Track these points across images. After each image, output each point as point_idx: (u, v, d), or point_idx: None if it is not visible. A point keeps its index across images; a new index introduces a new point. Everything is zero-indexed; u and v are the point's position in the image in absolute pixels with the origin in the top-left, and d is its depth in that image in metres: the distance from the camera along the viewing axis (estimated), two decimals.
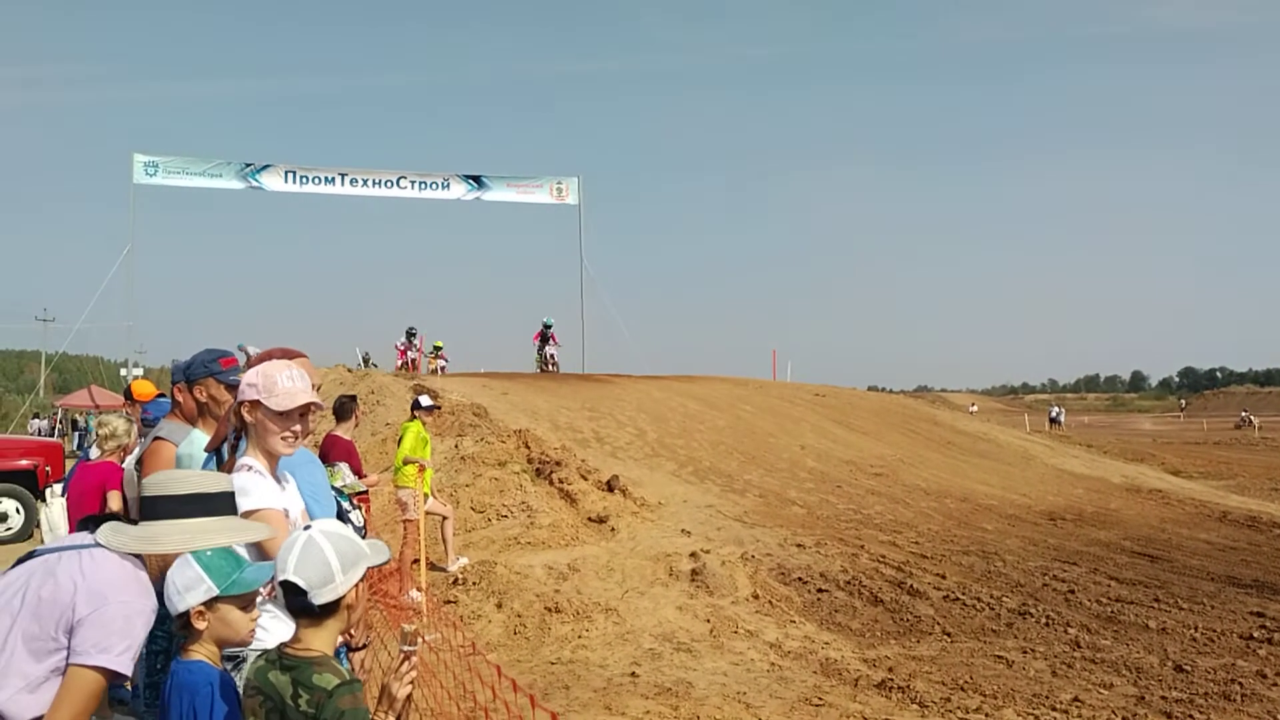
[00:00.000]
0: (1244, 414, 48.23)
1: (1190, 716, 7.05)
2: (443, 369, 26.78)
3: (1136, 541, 14.76)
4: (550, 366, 27.24)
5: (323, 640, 2.57)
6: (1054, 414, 59.94)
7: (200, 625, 2.63)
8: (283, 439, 3.30)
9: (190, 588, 2.60)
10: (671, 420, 19.17)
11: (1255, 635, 9.37)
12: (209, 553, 2.67)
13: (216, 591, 2.62)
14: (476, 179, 25.83)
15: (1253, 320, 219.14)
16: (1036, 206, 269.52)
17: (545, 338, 27.43)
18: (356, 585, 2.60)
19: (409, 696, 2.65)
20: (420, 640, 2.77)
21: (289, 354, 3.54)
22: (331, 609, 2.55)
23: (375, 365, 27.49)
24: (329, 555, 2.53)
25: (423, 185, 25.39)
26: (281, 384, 3.29)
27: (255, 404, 3.27)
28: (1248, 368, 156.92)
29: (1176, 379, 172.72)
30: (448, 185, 25.56)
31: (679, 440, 17.75)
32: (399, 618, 7.64)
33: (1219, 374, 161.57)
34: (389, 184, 25.12)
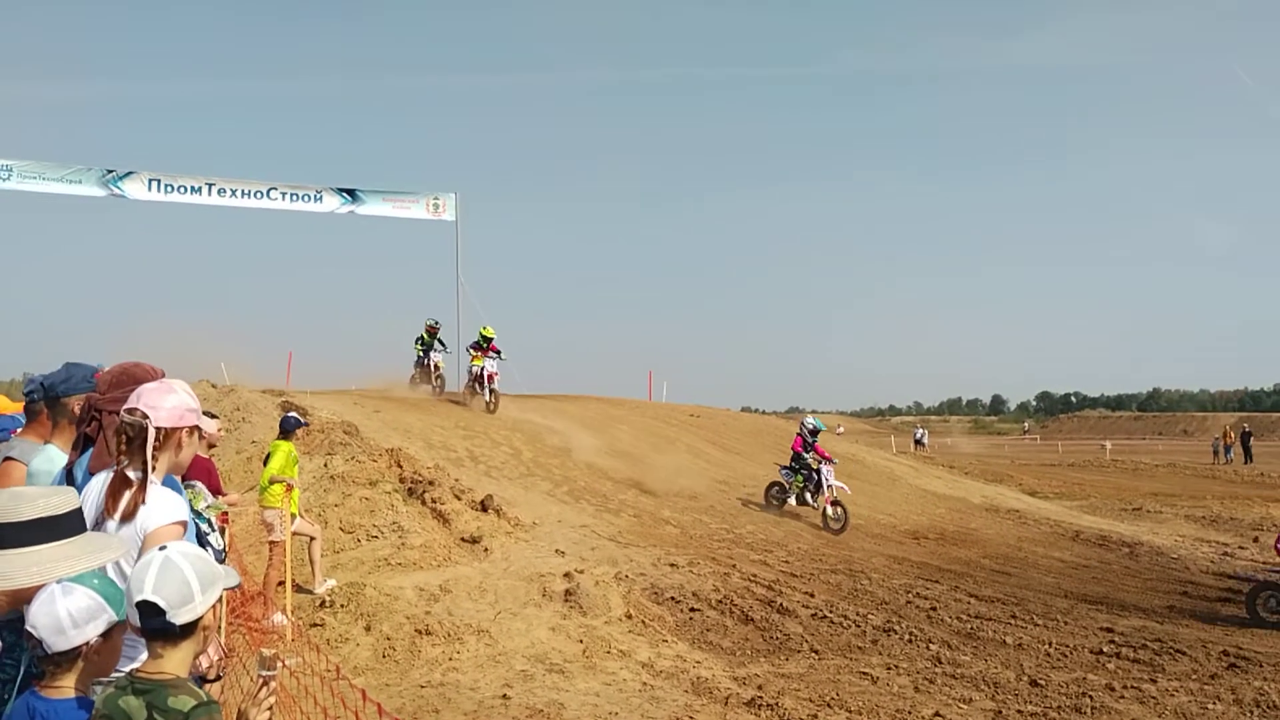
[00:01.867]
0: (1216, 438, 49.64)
1: None
2: (489, 384, 20.92)
3: (995, 559, 15.29)
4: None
5: (177, 663, 2.49)
6: (918, 436, 61.77)
7: (95, 658, 2.50)
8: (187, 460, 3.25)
9: (90, 619, 2.45)
10: (547, 440, 19.11)
11: (1105, 650, 9.80)
12: (96, 579, 2.54)
13: (116, 619, 2.50)
14: (351, 192, 25.31)
15: (1104, 348, 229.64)
16: (903, 232, 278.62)
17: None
18: (214, 607, 2.53)
19: None
20: (280, 664, 2.71)
21: (151, 373, 3.42)
22: (189, 630, 2.48)
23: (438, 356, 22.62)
24: (188, 575, 2.46)
25: (294, 197, 24.72)
26: (199, 410, 3.23)
27: (194, 429, 3.19)
28: (1100, 393, 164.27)
29: (1034, 402, 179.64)
30: (320, 198, 24.96)
31: (554, 460, 17.70)
32: (262, 642, 7.42)
33: (1073, 398, 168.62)
34: (259, 195, 24.40)
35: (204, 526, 4.34)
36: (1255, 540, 18.45)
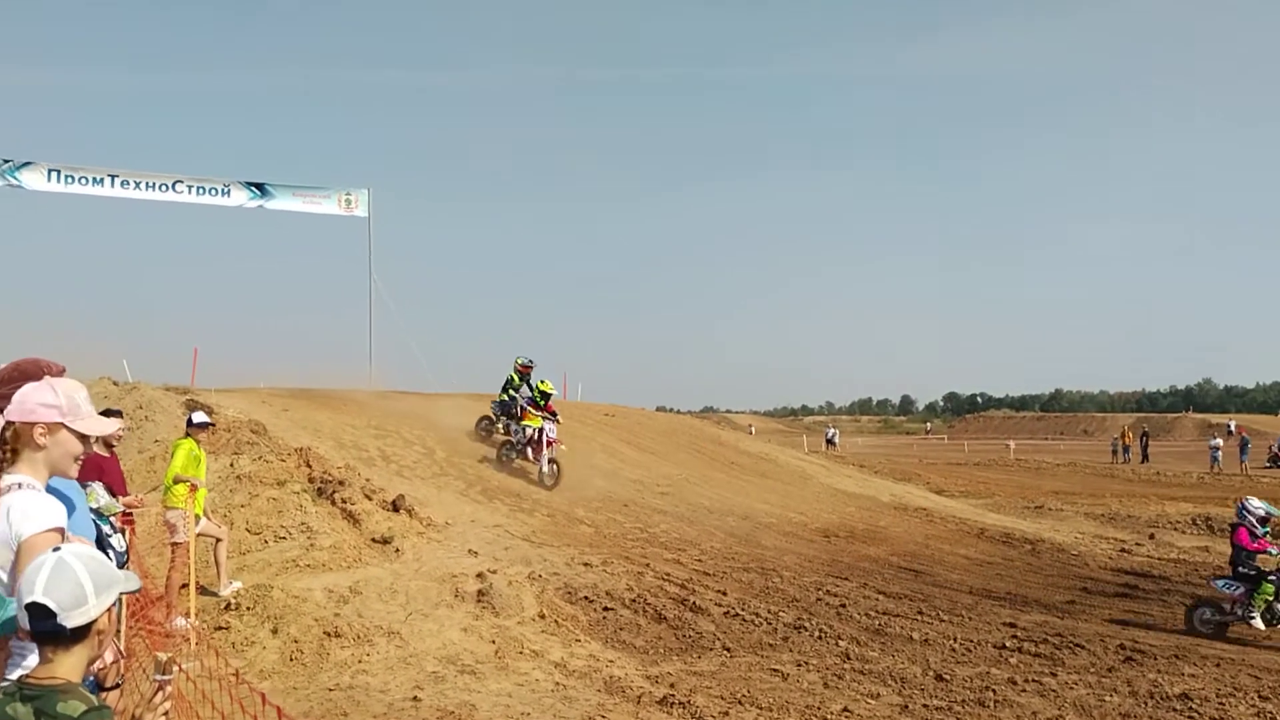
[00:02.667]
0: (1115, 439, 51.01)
1: None
2: (548, 450, 17.10)
3: (903, 557, 15.56)
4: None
5: (69, 667, 2.41)
6: (830, 435, 62.60)
7: None
8: (75, 461, 3.10)
9: None
10: (460, 439, 18.94)
11: (1008, 645, 10.04)
12: None
13: None
14: (259, 186, 24.80)
15: (1009, 350, 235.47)
16: (813, 237, 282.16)
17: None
18: (109, 610, 2.45)
19: None
20: (176, 669, 2.64)
21: (47, 367, 3.30)
22: (82, 634, 2.40)
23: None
24: (82, 577, 2.38)
25: (201, 190, 24.14)
26: (84, 407, 3.09)
27: (56, 425, 3.04)
28: (1005, 394, 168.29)
29: (941, 403, 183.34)
30: (228, 192, 24.40)
31: (468, 460, 17.56)
32: (164, 646, 7.24)
33: (979, 399, 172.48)
34: (164, 187, 23.78)
35: (105, 528, 4.21)
36: (1151, 537, 19.08)
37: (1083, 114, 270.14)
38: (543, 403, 18.05)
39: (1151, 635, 10.85)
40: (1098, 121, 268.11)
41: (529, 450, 17.67)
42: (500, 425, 18.70)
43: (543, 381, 18.51)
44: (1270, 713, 7.78)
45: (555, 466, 17.17)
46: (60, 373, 3.32)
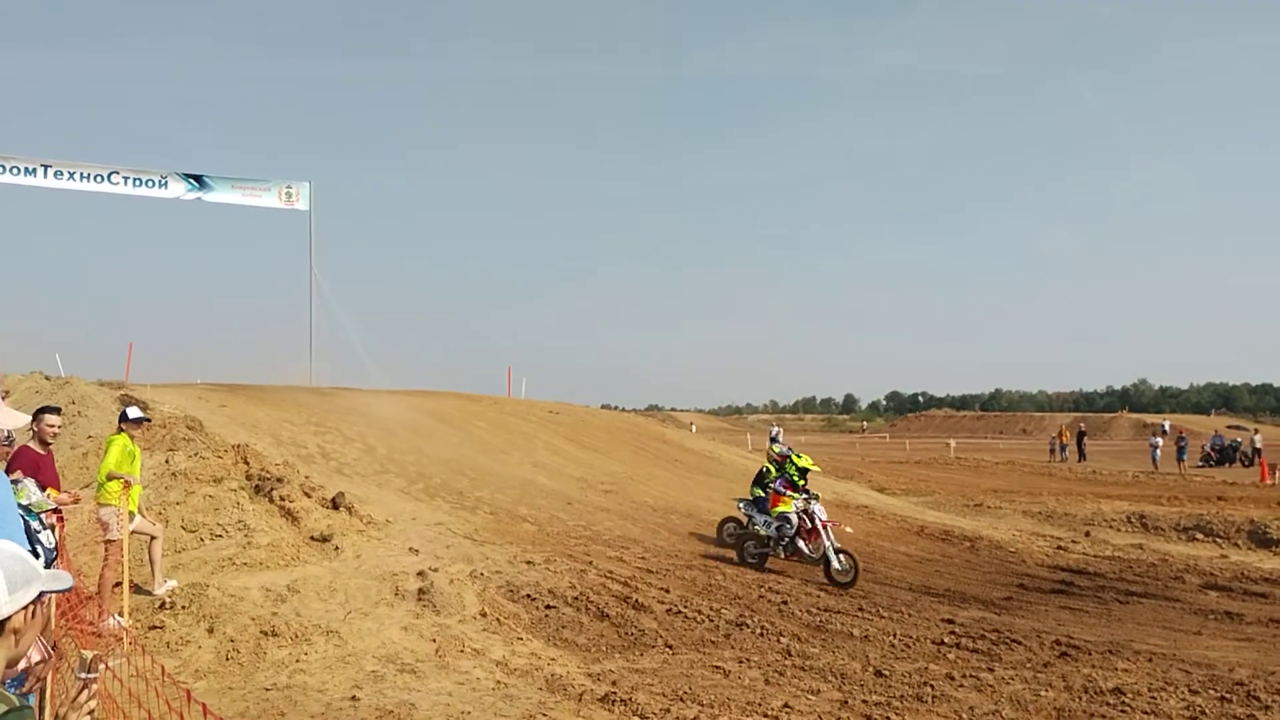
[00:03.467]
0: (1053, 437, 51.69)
1: (888, 718, 7.54)
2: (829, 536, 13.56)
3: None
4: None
5: None
6: (773, 433, 62.97)
7: None
8: None
9: None
10: (402, 436, 18.79)
11: (946, 640, 10.16)
12: None
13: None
14: (198, 178, 24.38)
15: (951, 350, 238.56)
16: (759, 241, 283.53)
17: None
18: (27, 609, 2.38)
19: None
20: (102, 666, 2.58)
21: None
22: None
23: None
24: None
25: (137, 182, 23.67)
26: None
27: None
28: (946, 393, 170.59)
29: (884, 402, 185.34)
30: (165, 183, 23.96)
31: (409, 457, 17.42)
32: (94, 645, 7.09)
33: (921, 398, 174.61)
34: (99, 178, 23.29)
35: (35, 524, 4.09)
36: (1087, 534, 19.40)
37: (1025, 115, 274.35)
38: (801, 481, 14.67)
39: (1086, 631, 11.03)
40: (1040, 121, 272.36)
41: (797, 543, 14.04)
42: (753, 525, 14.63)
43: (799, 455, 15.11)
44: (1200, 706, 7.94)
45: (848, 558, 13.48)
46: None
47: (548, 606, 10.58)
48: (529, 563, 12.01)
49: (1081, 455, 48.19)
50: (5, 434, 7.71)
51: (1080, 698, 8.17)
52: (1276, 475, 32.68)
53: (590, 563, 12.51)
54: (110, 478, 9.37)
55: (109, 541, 9.38)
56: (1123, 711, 7.83)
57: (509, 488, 16.83)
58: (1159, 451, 41.73)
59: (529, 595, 10.81)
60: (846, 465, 36.74)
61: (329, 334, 25.74)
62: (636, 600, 10.94)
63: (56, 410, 8.90)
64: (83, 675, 2.49)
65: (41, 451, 8.26)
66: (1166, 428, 64.34)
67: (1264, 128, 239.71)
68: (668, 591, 11.57)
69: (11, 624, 2.35)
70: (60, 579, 2.50)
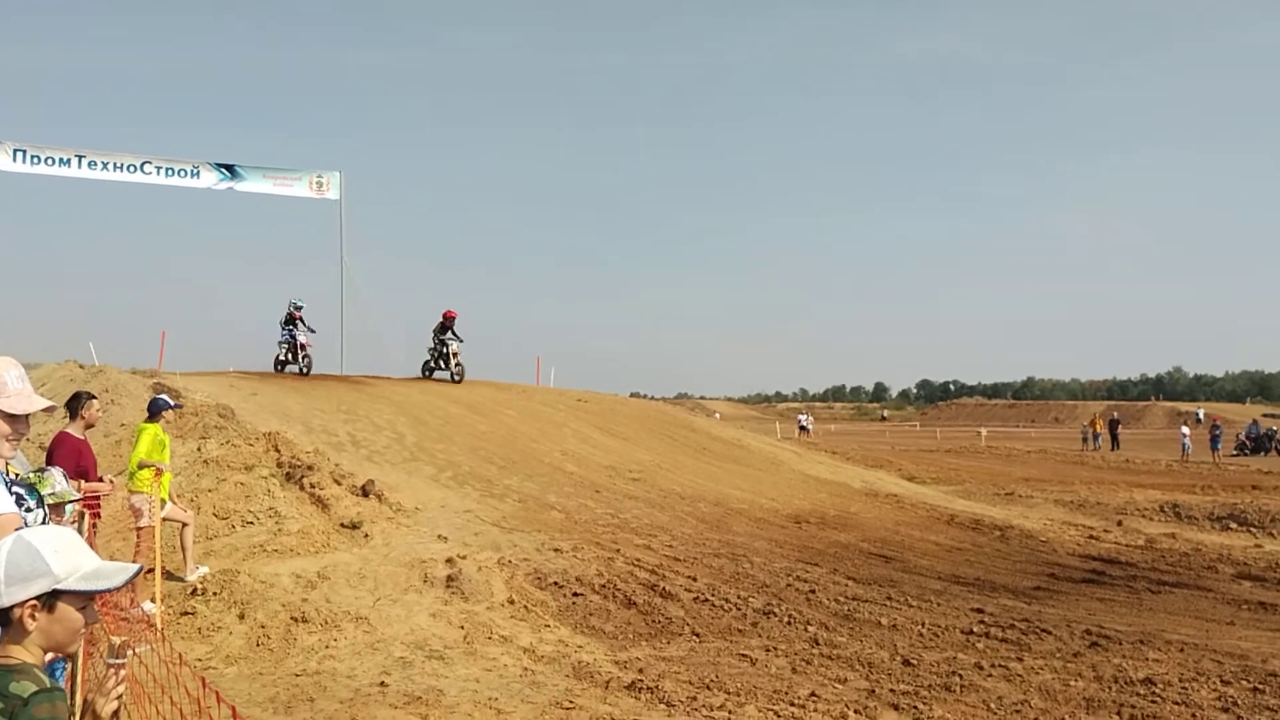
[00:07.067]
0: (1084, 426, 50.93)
1: (915, 708, 7.50)
2: None
3: (873, 543, 15.62)
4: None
5: (19, 649, 2.41)
6: (802, 422, 62.85)
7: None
8: (9, 441, 3.05)
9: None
10: (431, 424, 18.87)
11: (975, 630, 10.10)
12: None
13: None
14: (229, 168, 24.52)
15: (982, 339, 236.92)
16: (786, 229, 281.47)
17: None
18: (26, 605, 2.42)
19: (116, 713, 2.48)
20: (130, 652, 2.61)
21: None
22: (4, 619, 2.41)
23: None
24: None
25: (169, 172, 23.84)
26: (12, 385, 3.03)
27: None
28: (977, 381, 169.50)
29: (915, 390, 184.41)
30: (197, 173, 24.11)
31: (439, 445, 17.49)
32: (123, 631, 7.17)
33: (952, 386, 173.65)
34: (132, 169, 23.46)
35: (28, 503, 4.11)
36: (1119, 524, 19.23)
37: (1059, 105, 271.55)
38: None
39: (1118, 620, 10.94)
40: (1074, 113, 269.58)
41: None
42: None
43: None
44: (1231, 696, 7.86)
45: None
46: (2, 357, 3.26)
47: (575, 594, 10.61)
48: (557, 550, 12.04)
49: (1115, 444, 47.82)
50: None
51: (1110, 688, 8.10)
52: None
53: (618, 550, 12.53)
54: (142, 465, 9.47)
55: (140, 528, 9.48)
56: (1153, 702, 7.75)
57: (537, 475, 16.87)
58: (1188, 440, 41.20)
59: (556, 583, 10.84)
60: (876, 454, 36.60)
61: (360, 323, 25.89)
62: (664, 588, 10.94)
63: (92, 397, 9.01)
64: (112, 661, 2.52)
65: (80, 437, 8.37)
66: (1200, 416, 63.70)
67: None
68: (695, 579, 11.56)
69: (15, 615, 2.40)
70: (103, 576, 2.52)
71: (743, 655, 8.91)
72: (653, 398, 68.92)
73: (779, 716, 7.23)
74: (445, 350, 24.68)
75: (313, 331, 23.65)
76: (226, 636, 8.70)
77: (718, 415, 66.08)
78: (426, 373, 25.35)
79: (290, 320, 23.26)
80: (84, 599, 2.47)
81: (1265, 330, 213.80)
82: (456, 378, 24.36)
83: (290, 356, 23.14)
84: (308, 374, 22.74)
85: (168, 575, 9.73)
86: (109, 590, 2.53)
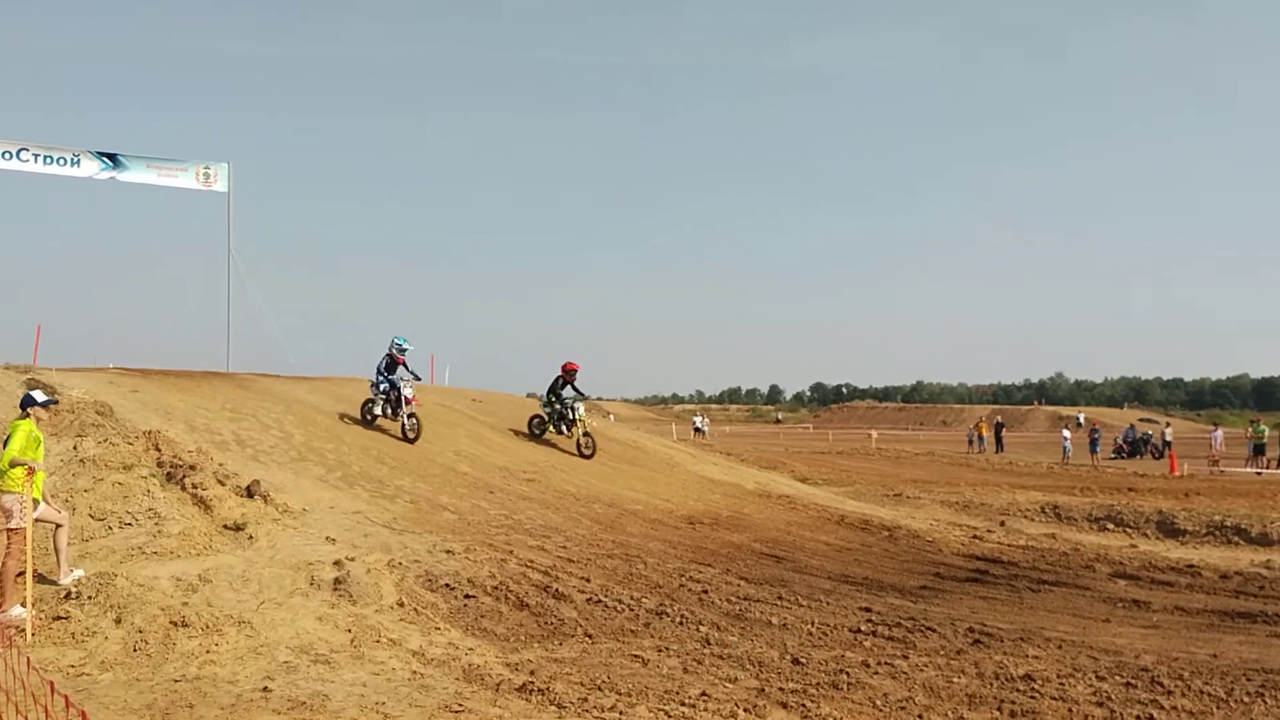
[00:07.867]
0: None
1: (803, 705, 7.60)
2: None
3: (765, 543, 15.78)
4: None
5: None
6: (698, 423, 63.35)
7: None
8: None
9: None
10: (320, 423, 18.49)
11: (862, 629, 10.27)
12: None
13: None
14: (112, 157, 23.66)
15: (874, 343, 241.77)
16: (682, 233, 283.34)
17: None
18: None
19: None
20: None
21: None
22: None
23: None
24: None
25: (48, 159, 22.90)
26: None
27: None
28: (869, 384, 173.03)
29: (808, 393, 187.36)
30: (78, 161, 23.20)
31: (328, 444, 17.15)
32: None
33: (845, 389, 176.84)
34: (7, 155, 22.52)
35: None
36: (1002, 524, 19.78)
37: (935, 111, 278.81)
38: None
39: (999, 619, 11.23)
40: (949, 117, 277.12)
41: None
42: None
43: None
44: (1106, 691, 8.12)
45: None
46: None
47: (467, 596, 10.50)
48: (449, 552, 11.90)
49: (999, 446, 49.24)
50: None
51: (991, 684, 8.31)
52: (1184, 467, 33.68)
53: (511, 552, 12.44)
54: (13, 464, 9.08)
55: (12, 530, 9.10)
56: (1032, 698, 7.98)
57: (430, 476, 16.66)
58: (1069, 443, 42.79)
59: (448, 584, 10.71)
60: (770, 455, 37.06)
61: (246, 319, 25.18)
62: (557, 589, 10.90)
63: None
64: None
65: None
66: (1081, 420, 66.01)
67: (1177, 127, 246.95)
68: (588, 581, 11.54)
69: None
70: None
71: (635, 656, 8.92)
72: None
73: (670, 716, 7.25)
74: (569, 414, 21.29)
75: (418, 379, 19.71)
76: (102, 642, 8.38)
77: (612, 417, 66.24)
78: (537, 433, 21.96)
79: (392, 365, 19.19)
80: None
81: (1142, 339, 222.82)
82: (586, 451, 20.79)
83: (388, 412, 19.13)
84: (414, 441, 18.70)
85: (40, 579, 9.35)
86: None
